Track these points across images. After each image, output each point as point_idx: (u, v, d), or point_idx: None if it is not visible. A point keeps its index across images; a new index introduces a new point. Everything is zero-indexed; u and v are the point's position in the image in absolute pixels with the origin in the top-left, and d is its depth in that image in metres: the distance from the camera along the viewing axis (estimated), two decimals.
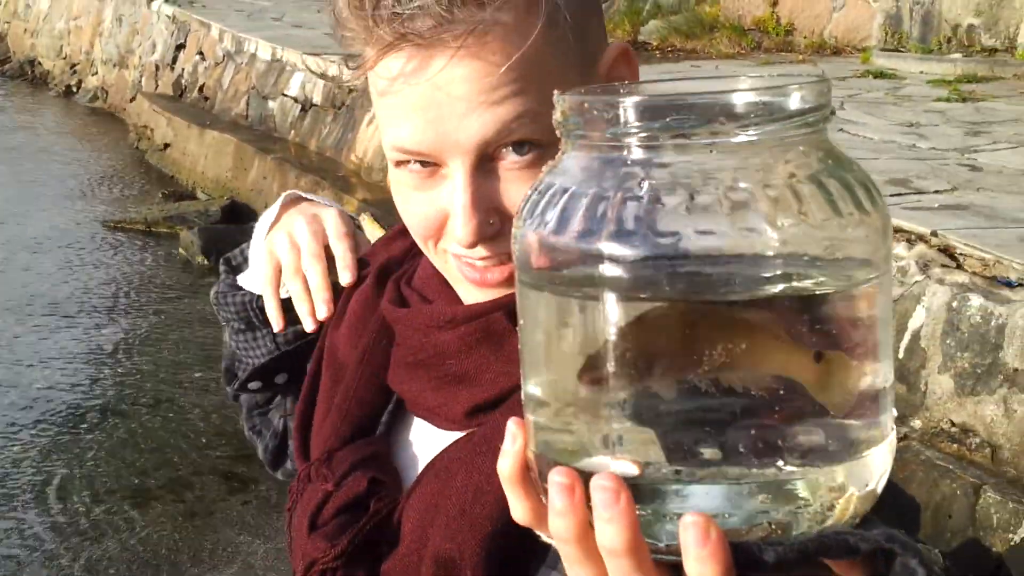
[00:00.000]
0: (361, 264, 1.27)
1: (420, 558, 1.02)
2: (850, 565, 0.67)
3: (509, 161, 0.98)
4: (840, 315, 0.63)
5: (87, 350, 6.86)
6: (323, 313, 1.27)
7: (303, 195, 1.41)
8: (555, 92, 0.70)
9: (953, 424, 4.00)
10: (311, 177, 8.54)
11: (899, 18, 9.88)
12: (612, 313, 0.63)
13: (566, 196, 0.65)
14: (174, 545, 4.66)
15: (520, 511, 0.71)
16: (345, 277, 1.26)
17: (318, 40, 10.84)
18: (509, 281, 1.02)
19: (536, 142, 0.98)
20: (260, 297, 1.35)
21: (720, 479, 0.63)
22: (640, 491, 0.63)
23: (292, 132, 9.96)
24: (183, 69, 12.53)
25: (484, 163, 0.98)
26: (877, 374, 0.65)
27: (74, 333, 7.12)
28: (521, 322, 0.70)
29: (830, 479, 0.63)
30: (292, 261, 1.30)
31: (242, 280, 1.40)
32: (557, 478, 0.64)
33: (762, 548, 0.62)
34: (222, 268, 1.43)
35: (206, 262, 8.34)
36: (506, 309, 1.04)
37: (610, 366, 0.63)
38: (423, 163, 1.00)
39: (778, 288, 0.61)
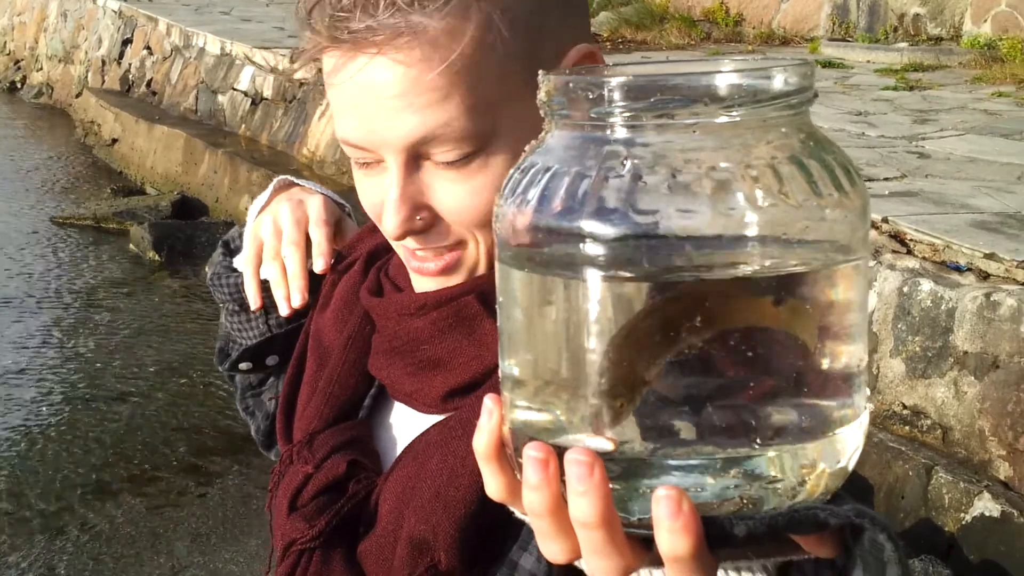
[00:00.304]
0: (338, 257, 1.28)
1: (395, 539, 1.03)
2: (819, 540, 0.67)
3: (439, 162, 0.99)
4: (816, 295, 0.64)
5: (41, 346, 6.78)
6: (297, 301, 1.29)
7: (295, 180, 1.43)
8: (540, 72, 0.70)
9: (905, 407, 4.06)
10: (263, 171, 8.49)
11: (846, 8, 9.98)
12: (592, 291, 0.63)
13: (548, 175, 0.65)
14: (135, 540, 4.62)
15: (494, 487, 0.71)
16: (318, 264, 1.28)
17: (268, 34, 10.78)
18: (443, 272, 1.05)
19: (466, 146, 0.99)
20: None
21: (694, 456, 0.63)
22: (614, 466, 0.63)
23: (243, 126, 9.89)
24: (130, 64, 12.40)
25: (416, 160, 1.00)
26: (852, 355, 0.66)
27: (28, 327, 7.04)
28: (500, 299, 0.70)
29: (802, 456, 0.64)
30: (273, 246, 1.32)
31: (237, 262, 1.41)
32: (532, 452, 0.65)
33: (733, 523, 0.62)
34: (220, 250, 1.45)
35: (158, 258, 8.25)
36: (477, 293, 1.05)
37: (588, 345, 0.64)
38: (367, 154, 1.02)
39: (755, 268, 0.62)
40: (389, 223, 1.01)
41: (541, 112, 0.69)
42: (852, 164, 0.66)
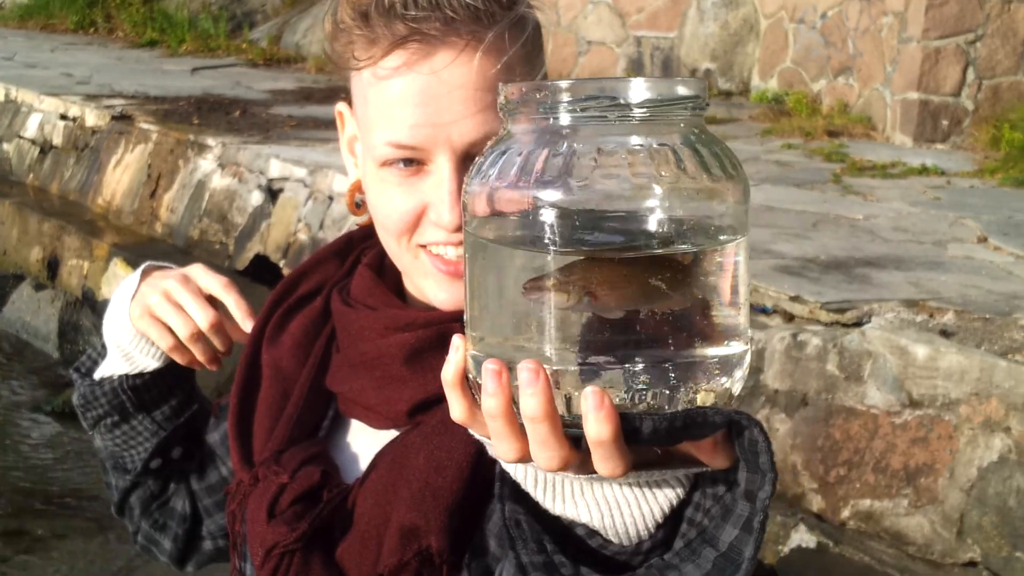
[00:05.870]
0: (284, 292, 1.34)
1: (380, 533, 1.13)
2: (713, 451, 0.84)
3: None
4: (710, 263, 0.81)
5: None
6: (249, 326, 1.35)
7: (158, 264, 1.45)
8: (499, 85, 0.86)
9: None
10: (55, 221, 8.15)
11: (640, 63, 10.34)
12: (538, 246, 0.79)
13: (504, 155, 0.82)
14: None
15: (458, 410, 0.84)
16: (247, 325, 1.34)
17: (55, 80, 10.39)
18: None
19: None
20: (129, 377, 1.41)
21: (614, 371, 0.80)
22: (554, 377, 0.80)
23: (31, 175, 9.47)
24: None
25: (465, 159, 1.12)
26: (738, 312, 0.83)
27: None
28: (465, 256, 0.86)
29: (697, 377, 0.81)
30: (176, 312, 1.35)
31: (102, 371, 1.43)
32: (490, 366, 0.79)
33: (642, 419, 0.78)
34: (75, 378, 1.45)
35: None
36: (462, 319, 1.14)
37: (536, 291, 0.80)
38: (407, 162, 1.13)
39: (661, 236, 0.79)
40: (450, 215, 1.12)
41: (500, 114, 0.85)
42: (735, 156, 0.84)
